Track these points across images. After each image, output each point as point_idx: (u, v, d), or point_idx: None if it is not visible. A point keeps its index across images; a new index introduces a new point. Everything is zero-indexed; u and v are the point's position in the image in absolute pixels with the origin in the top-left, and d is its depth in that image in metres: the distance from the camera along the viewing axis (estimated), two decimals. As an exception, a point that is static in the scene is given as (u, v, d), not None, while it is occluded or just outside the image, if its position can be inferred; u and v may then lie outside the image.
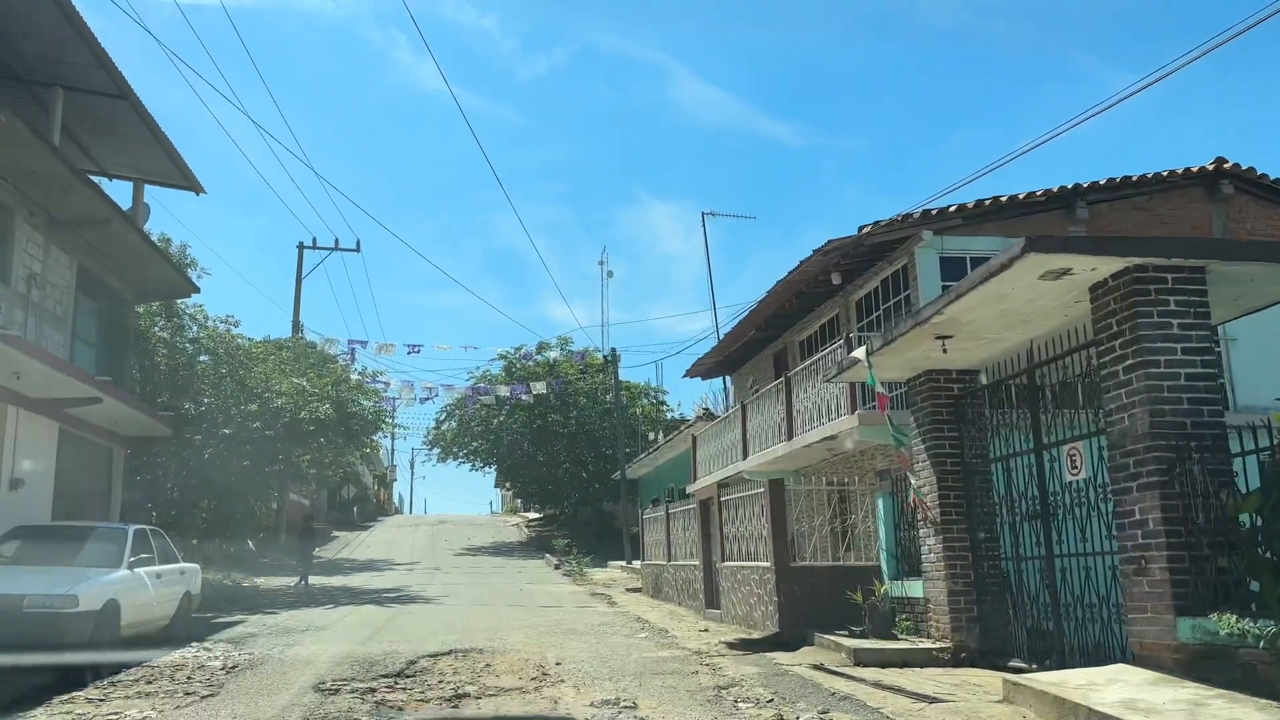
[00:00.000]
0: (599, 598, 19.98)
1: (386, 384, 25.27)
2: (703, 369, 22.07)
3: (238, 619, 14.52)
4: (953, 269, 12.81)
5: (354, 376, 24.15)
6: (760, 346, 20.30)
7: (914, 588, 10.83)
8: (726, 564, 15.03)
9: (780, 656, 10.24)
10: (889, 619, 10.87)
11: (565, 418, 38.84)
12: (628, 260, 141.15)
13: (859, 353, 9.99)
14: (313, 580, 24.35)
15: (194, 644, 10.94)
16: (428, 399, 29.10)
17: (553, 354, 39.74)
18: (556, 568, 28.44)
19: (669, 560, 18.88)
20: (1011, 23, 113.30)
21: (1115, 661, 7.52)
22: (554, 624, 14.08)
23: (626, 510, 32.34)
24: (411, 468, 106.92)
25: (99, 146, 17.75)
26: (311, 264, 39.63)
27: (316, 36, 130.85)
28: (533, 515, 54.91)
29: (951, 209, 12.75)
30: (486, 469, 42.07)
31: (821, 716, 6.78)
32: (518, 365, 38.47)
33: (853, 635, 10.68)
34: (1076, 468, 8.25)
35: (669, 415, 42.41)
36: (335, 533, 43.91)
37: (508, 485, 51.51)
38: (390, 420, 25.77)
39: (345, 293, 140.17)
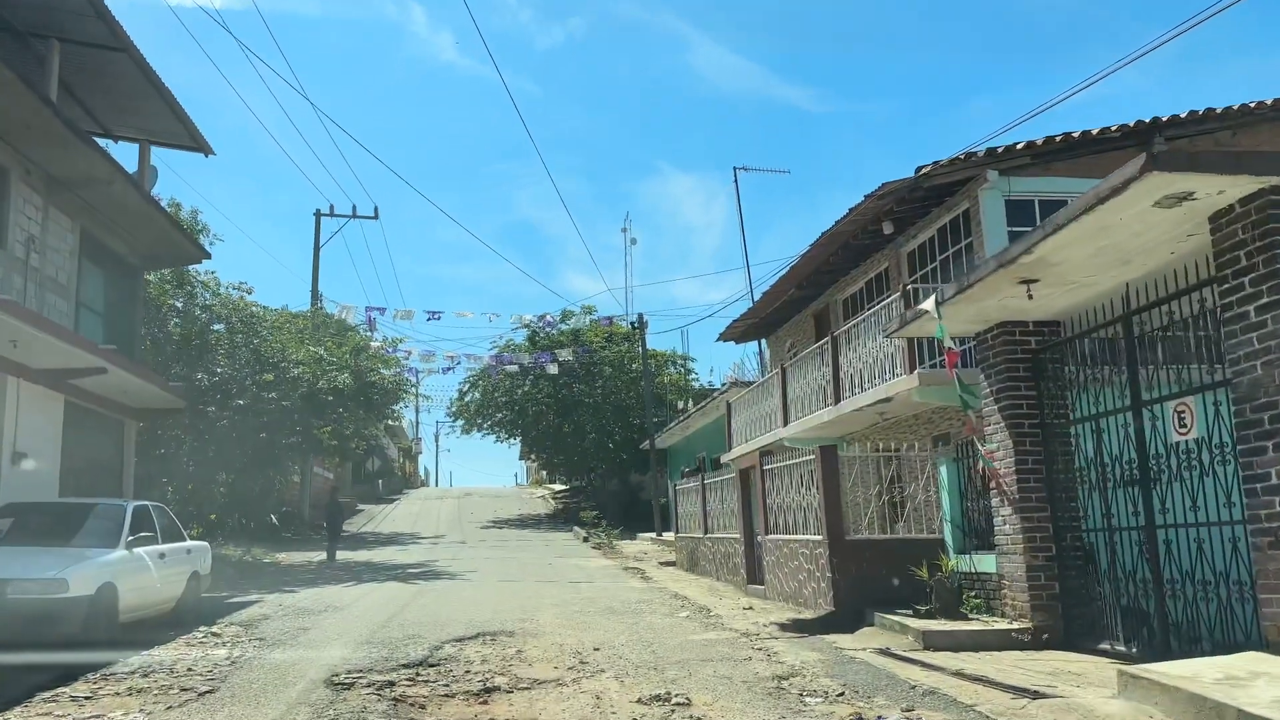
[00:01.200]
0: (632, 572, 19.16)
1: (408, 353, 24.45)
2: (736, 332, 21.07)
3: (253, 599, 13.76)
4: (1020, 214, 11.71)
5: (373, 344, 23.29)
6: (799, 307, 19.26)
7: (984, 562, 9.86)
8: (771, 537, 14.11)
9: (840, 639, 9.31)
10: (956, 596, 9.91)
11: (590, 387, 37.98)
12: (648, 231, 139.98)
13: (927, 304, 8.96)
14: (338, 555, 23.73)
15: (201, 629, 10.14)
16: (450, 369, 28.29)
17: (576, 321, 38.85)
18: (585, 540, 27.68)
19: (705, 532, 18.01)
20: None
21: (1240, 648, 6.55)
22: (587, 602, 13.23)
23: (655, 481, 31.46)
24: (436, 441, 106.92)
25: (101, 106, 16.88)
26: (329, 232, 38.64)
27: (333, 8, 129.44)
28: (558, 487, 54.28)
29: (1019, 146, 11.59)
30: (511, 440, 41.35)
31: (907, 715, 5.85)
32: (541, 334, 37.58)
33: (917, 615, 9.73)
34: (1186, 427, 7.22)
35: (697, 383, 41.50)
36: (360, 506, 43.47)
37: (533, 457, 50.81)
38: (413, 389, 24.91)
39: (365, 263, 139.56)
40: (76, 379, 13.89)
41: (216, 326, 21.22)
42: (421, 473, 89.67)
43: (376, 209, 35.30)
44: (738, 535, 15.76)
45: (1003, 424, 9.15)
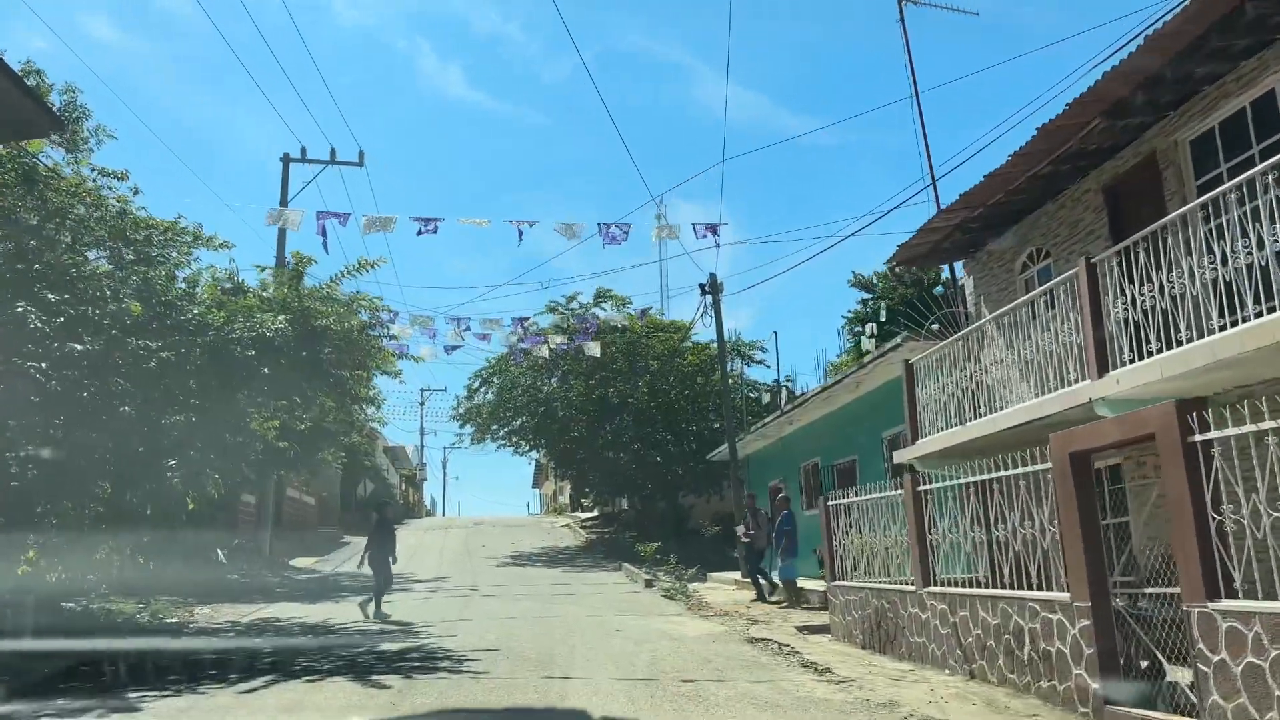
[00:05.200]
0: (771, 649, 10.96)
1: (393, 314, 16.40)
2: (919, 251, 12.85)
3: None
4: None
5: (341, 293, 14.96)
6: (1051, 187, 11.12)
7: None
8: (1223, 607, 5.85)
9: None
10: None
11: (630, 386, 29.84)
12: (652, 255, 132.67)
13: None
14: (280, 612, 15.60)
15: None
16: (457, 347, 20.31)
17: (612, 306, 30.78)
18: (649, 584, 19.42)
19: (924, 583, 9.72)
20: (1039, 9, 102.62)
21: None
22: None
23: (739, 500, 23.14)
24: (444, 467, 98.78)
25: None
26: (303, 182, 30.68)
27: (346, 45, 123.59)
28: (584, 515, 46.05)
29: None
30: (533, 453, 33.18)
31: None
32: (570, 319, 29.48)
33: None
34: None
35: (770, 379, 33.39)
36: (347, 538, 35.23)
37: (557, 475, 42.55)
38: (395, 353, 16.48)
39: (352, 228, 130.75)
40: None
41: (96, 256, 13.05)
42: (428, 502, 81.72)
43: (362, 154, 27.44)
44: (1063, 597, 7.48)
45: None
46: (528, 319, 21.21)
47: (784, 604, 15.86)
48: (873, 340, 18.94)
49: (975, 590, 8.87)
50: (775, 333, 32.11)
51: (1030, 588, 7.94)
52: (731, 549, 28.45)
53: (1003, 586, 8.46)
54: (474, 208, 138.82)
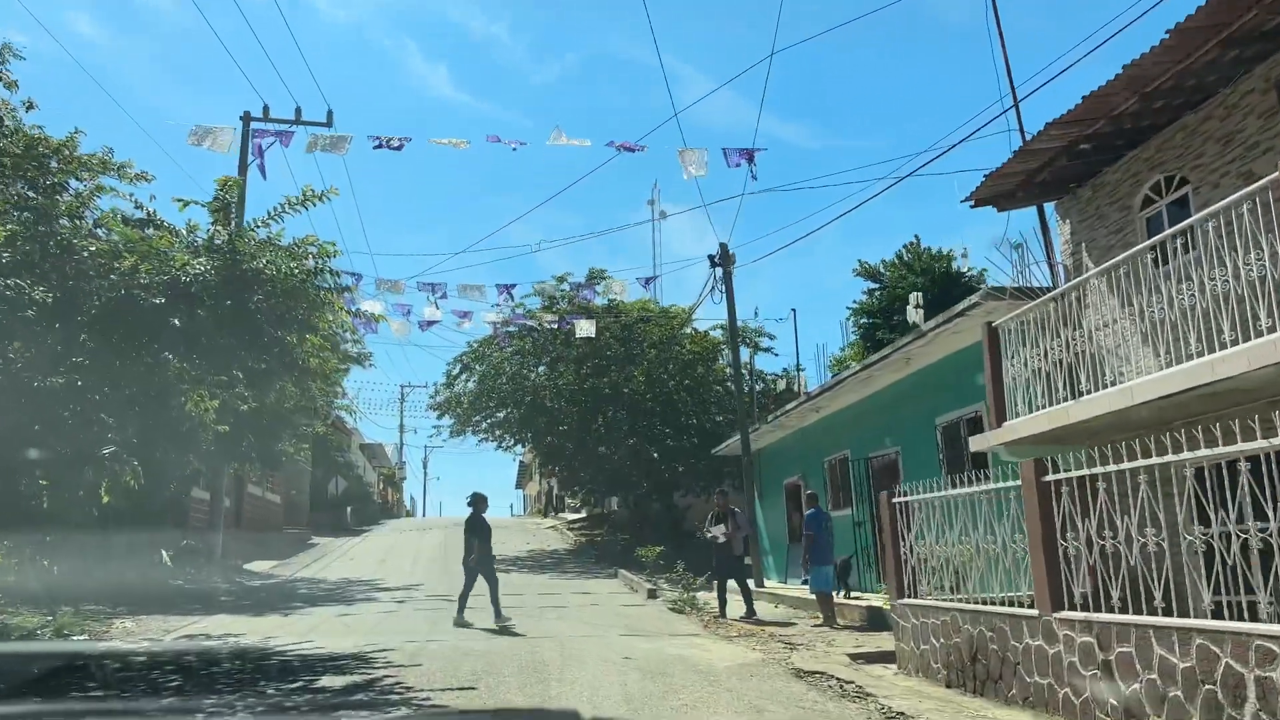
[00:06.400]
0: (821, 686, 8.40)
1: (356, 277, 13.63)
2: (1006, 186, 10.32)
3: None
4: None
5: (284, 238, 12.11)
6: (1200, 89, 8.61)
7: None
8: None
9: None
10: None
11: (624, 375, 27.22)
12: (643, 258, 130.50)
13: None
14: (215, 627, 12.98)
15: None
16: (432, 322, 17.66)
17: (605, 289, 28.16)
18: (652, 595, 16.82)
19: (1054, 608, 7.11)
20: (1032, 20, 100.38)
21: None
22: None
23: (751, 499, 20.54)
24: (425, 467, 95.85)
25: None
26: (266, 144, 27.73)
27: (331, 43, 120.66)
28: (572, 516, 43.41)
29: None
30: (519, 446, 30.49)
31: None
32: (560, 300, 26.83)
33: None
34: None
35: (777, 368, 30.90)
36: (314, 539, 32.46)
37: (545, 470, 39.87)
38: (344, 304, 13.43)
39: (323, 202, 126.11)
40: None
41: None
42: (408, 502, 78.87)
43: (330, 113, 24.62)
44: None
45: None
46: (514, 286, 18.51)
47: (820, 622, 13.31)
48: (920, 311, 16.39)
49: (1145, 618, 6.33)
50: (794, 310, 29.77)
51: (1259, 618, 5.42)
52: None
53: (1197, 615, 5.93)
54: (457, 208, 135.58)
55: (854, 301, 31.77)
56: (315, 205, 10.80)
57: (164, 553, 21.63)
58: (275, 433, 21.03)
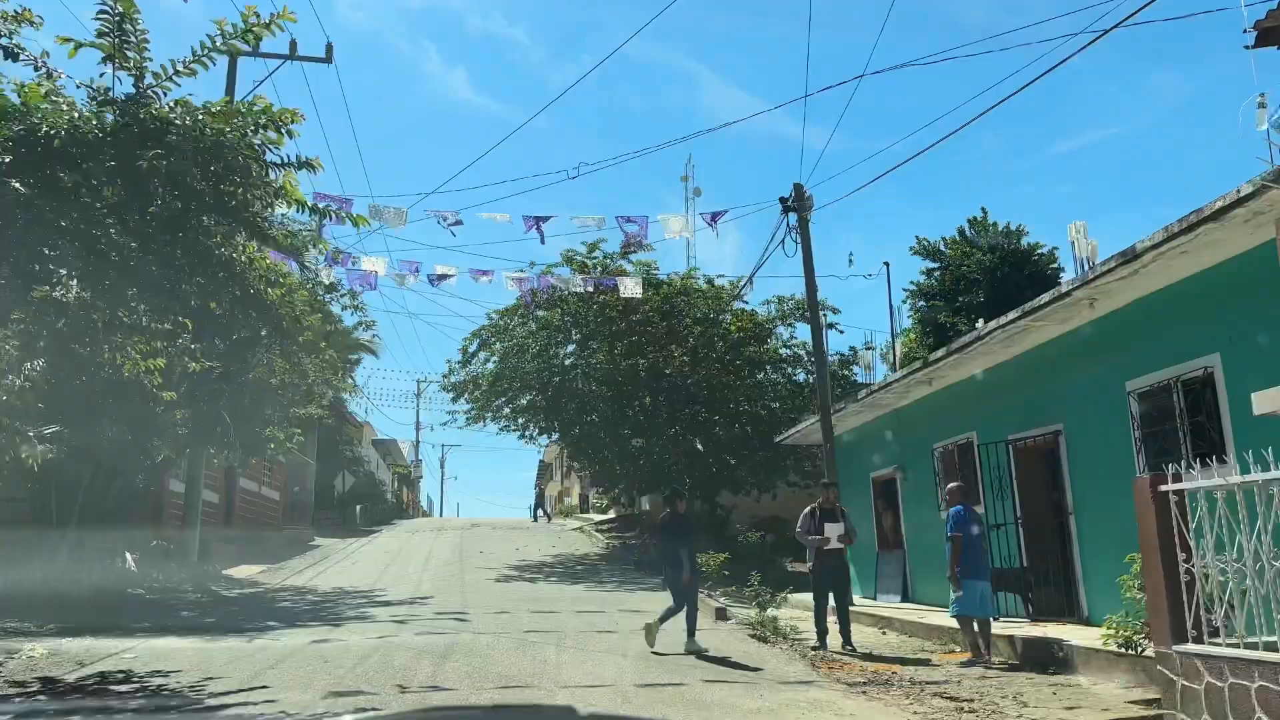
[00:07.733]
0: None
1: (342, 201, 10.23)
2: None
3: None
4: None
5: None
6: None
7: None
8: None
9: None
10: None
11: (662, 355, 23.61)
12: (663, 256, 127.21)
13: None
14: (150, 656, 9.47)
15: None
16: (443, 277, 14.18)
17: (643, 259, 24.59)
18: (720, 616, 13.20)
19: None
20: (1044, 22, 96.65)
21: None
22: None
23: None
24: (442, 465, 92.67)
25: None
26: (256, 79, 24.52)
27: (348, 48, 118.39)
28: (599, 517, 39.88)
29: None
30: (544, 436, 26.90)
31: None
32: (592, 269, 23.27)
33: None
34: None
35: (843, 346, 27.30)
36: (317, 540, 29.07)
37: (574, 464, 36.31)
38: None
39: (315, 138, 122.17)
40: None
41: None
42: (424, 502, 75.71)
43: (330, 47, 21.35)
44: None
45: None
46: (547, 219, 14.87)
47: (967, 659, 9.64)
48: (1087, 238, 12.66)
49: None
50: (886, 264, 25.88)
51: None
52: (783, 558, 22.26)
53: None
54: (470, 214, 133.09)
55: (911, 282, 28.24)
56: (268, 35, 7.09)
57: (129, 555, 18.29)
58: (258, 413, 17.59)
